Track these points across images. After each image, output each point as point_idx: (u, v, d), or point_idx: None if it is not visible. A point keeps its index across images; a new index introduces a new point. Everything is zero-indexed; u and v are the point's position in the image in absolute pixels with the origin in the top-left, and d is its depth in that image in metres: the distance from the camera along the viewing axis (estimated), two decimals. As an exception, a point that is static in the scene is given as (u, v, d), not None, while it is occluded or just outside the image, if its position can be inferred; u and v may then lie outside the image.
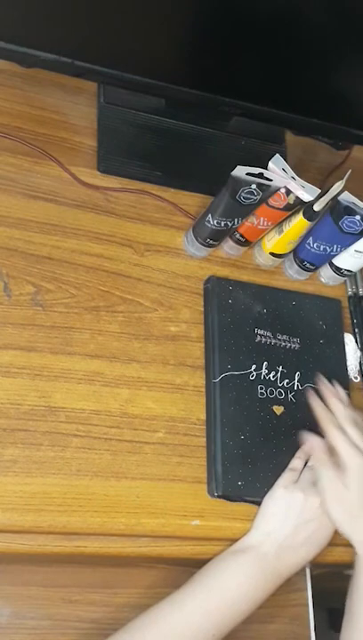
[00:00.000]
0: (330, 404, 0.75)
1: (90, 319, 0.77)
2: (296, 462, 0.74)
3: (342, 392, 0.79)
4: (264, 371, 0.79)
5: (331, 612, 0.74)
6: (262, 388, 0.79)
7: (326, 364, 0.82)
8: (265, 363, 0.80)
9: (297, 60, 0.80)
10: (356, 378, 0.86)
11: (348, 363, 0.86)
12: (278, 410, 0.78)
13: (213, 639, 0.65)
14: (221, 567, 0.68)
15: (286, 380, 0.80)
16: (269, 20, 0.74)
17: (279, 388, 0.79)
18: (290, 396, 0.79)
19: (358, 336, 0.88)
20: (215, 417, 0.76)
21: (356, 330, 0.88)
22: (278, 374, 0.80)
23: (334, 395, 0.76)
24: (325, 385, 0.78)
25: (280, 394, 0.79)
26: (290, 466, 0.74)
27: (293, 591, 0.83)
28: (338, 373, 0.84)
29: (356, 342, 0.87)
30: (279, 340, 0.82)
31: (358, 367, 0.86)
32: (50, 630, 0.72)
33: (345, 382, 0.83)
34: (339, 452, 0.71)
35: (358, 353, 0.87)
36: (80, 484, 0.69)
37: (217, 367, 0.78)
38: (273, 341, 0.81)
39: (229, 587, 0.67)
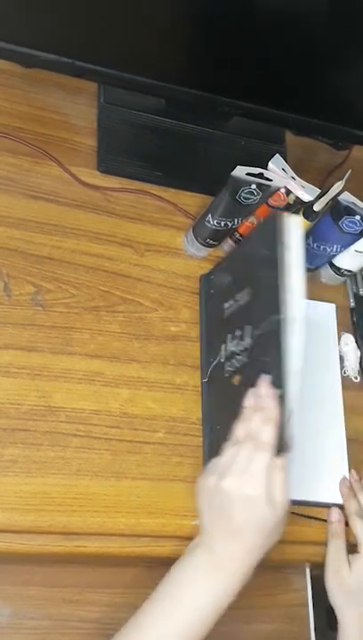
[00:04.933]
0: (358, 495, 0.77)
1: (90, 319, 0.77)
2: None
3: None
4: (229, 344, 0.73)
5: (331, 612, 0.74)
6: (229, 367, 0.73)
7: (268, 297, 0.69)
8: (229, 335, 0.74)
9: (297, 60, 0.80)
10: (356, 378, 0.86)
11: (347, 362, 0.86)
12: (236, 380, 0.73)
13: None
14: (179, 574, 0.64)
15: (243, 342, 0.72)
16: (269, 20, 0.74)
17: (239, 354, 0.72)
18: (245, 358, 0.72)
19: (358, 336, 0.88)
20: (206, 417, 0.76)
21: (356, 330, 0.88)
22: (236, 339, 0.73)
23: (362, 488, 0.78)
24: (353, 477, 0.79)
25: (239, 362, 0.73)
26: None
27: (293, 591, 0.83)
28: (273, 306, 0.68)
29: (356, 342, 0.88)
30: (237, 300, 0.73)
31: (358, 367, 0.87)
32: (50, 630, 0.72)
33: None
34: (358, 539, 0.74)
35: (358, 353, 0.87)
36: (80, 484, 0.69)
37: (205, 364, 0.78)
38: (234, 306, 0.74)
39: (190, 593, 0.63)
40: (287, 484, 0.62)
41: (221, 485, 0.61)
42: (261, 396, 0.65)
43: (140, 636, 0.62)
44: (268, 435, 0.62)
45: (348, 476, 0.79)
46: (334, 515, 0.76)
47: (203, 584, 0.62)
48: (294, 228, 0.67)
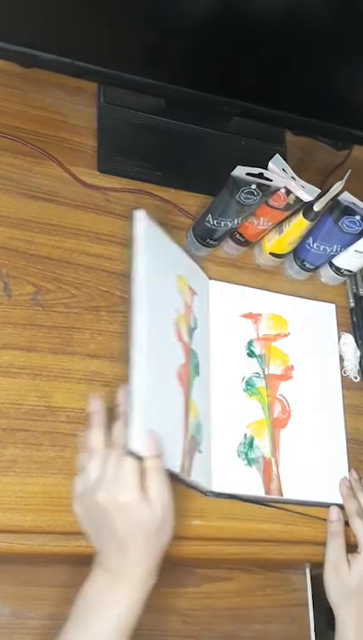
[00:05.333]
0: (358, 495, 0.78)
1: (90, 319, 0.77)
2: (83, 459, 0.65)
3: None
4: None
5: (331, 612, 0.74)
6: None
7: None
8: None
9: (297, 60, 0.80)
10: (356, 378, 0.86)
11: (347, 362, 0.86)
12: None
13: None
14: (84, 599, 0.63)
15: None
16: (269, 19, 0.74)
17: None
18: None
19: (357, 336, 0.88)
20: None
21: (356, 330, 0.88)
22: None
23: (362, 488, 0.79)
24: (353, 476, 0.80)
25: None
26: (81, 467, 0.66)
27: (293, 591, 0.83)
28: None
29: (356, 342, 0.88)
30: None
31: (358, 367, 0.87)
32: (50, 630, 0.72)
33: None
34: (358, 539, 0.75)
35: (358, 353, 0.87)
36: (80, 484, 0.69)
37: None
38: None
39: (99, 614, 0.61)
40: (161, 481, 0.62)
41: (95, 501, 0.61)
42: (119, 402, 0.67)
43: None
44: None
45: (348, 476, 0.79)
46: (334, 513, 0.76)
47: (108, 601, 0.62)
48: (138, 220, 0.73)
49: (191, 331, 0.77)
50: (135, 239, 0.72)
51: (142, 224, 0.73)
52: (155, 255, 0.74)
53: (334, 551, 0.74)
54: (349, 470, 0.80)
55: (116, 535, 0.61)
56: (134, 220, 0.73)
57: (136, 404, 0.64)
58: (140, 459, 0.62)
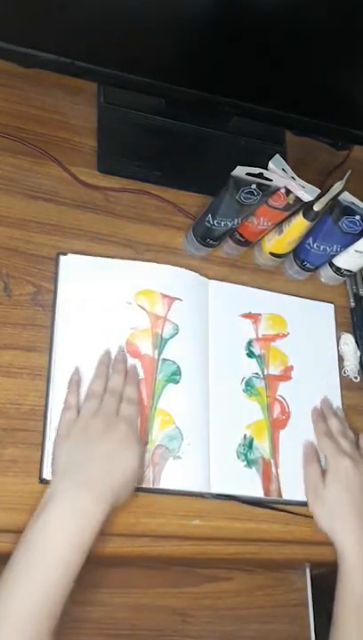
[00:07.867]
0: (328, 419, 0.81)
1: (90, 319, 0.77)
2: (70, 398, 0.71)
3: (340, 412, 0.83)
4: None
5: (331, 612, 0.74)
6: None
7: None
8: None
9: (297, 61, 0.80)
10: (356, 378, 0.86)
11: (347, 362, 0.86)
12: None
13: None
14: (41, 533, 0.62)
15: None
16: (269, 19, 0.74)
17: None
18: None
19: (357, 336, 0.88)
20: None
21: (356, 330, 0.88)
22: None
23: (332, 413, 0.82)
24: (325, 404, 0.82)
25: None
26: (65, 405, 0.70)
27: (293, 591, 0.83)
28: None
29: (356, 342, 0.88)
30: None
31: (358, 367, 0.87)
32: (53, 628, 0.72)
33: None
34: (327, 456, 0.77)
35: (358, 353, 0.87)
36: (80, 484, 0.69)
37: None
38: None
39: (59, 545, 0.62)
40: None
41: (97, 425, 0.67)
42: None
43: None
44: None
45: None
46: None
47: (72, 528, 0.62)
48: (62, 266, 0.77)
49: (163, 341, 0.77)
50: (58, 283, 0.76)
51: (65, 269, 0.76)
52: (76, 291, 0.76)
53: (310, 474, 0.76)
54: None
55: (102, 455, 0.65)
56: (59, 265, 0.77)
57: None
58: None
